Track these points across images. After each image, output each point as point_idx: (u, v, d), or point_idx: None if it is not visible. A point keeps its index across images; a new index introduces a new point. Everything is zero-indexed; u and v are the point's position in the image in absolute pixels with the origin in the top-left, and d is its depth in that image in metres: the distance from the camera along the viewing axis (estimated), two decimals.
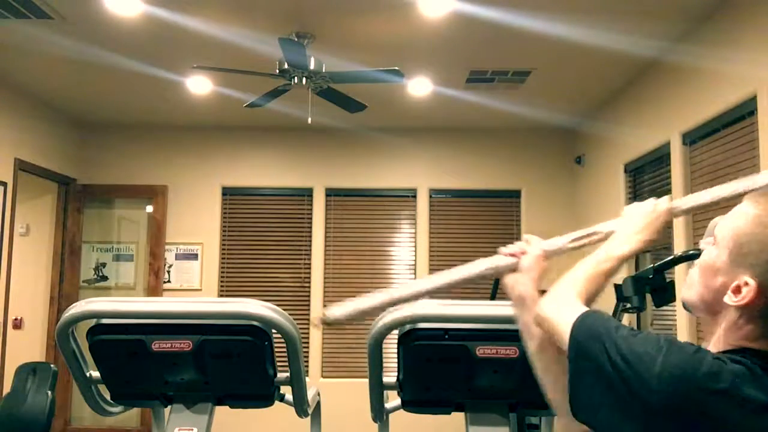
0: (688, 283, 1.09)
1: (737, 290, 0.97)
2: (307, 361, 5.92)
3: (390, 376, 2.38)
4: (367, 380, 2.36)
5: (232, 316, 2.29)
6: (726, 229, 1.03)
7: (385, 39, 4.14)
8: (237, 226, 6.29)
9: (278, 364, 2.45)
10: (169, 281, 6.13)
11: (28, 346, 5.75)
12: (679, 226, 3.95)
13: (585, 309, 1.10)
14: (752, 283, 0.96)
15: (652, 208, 1.31)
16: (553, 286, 1.22)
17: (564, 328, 1.07)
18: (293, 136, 6.27)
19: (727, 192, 1.29)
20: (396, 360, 2.33)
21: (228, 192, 6.30)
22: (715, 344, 1.02)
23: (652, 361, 0.92)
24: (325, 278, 6.18)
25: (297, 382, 2.43)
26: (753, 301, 0.95)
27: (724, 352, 0.98)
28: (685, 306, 1.11)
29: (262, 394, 2.44)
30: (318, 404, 2.92)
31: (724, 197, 1.29)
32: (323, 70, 4.05)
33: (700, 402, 0.89)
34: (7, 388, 3.55)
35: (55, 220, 6.05)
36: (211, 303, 2.62)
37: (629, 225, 1.29)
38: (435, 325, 2.18)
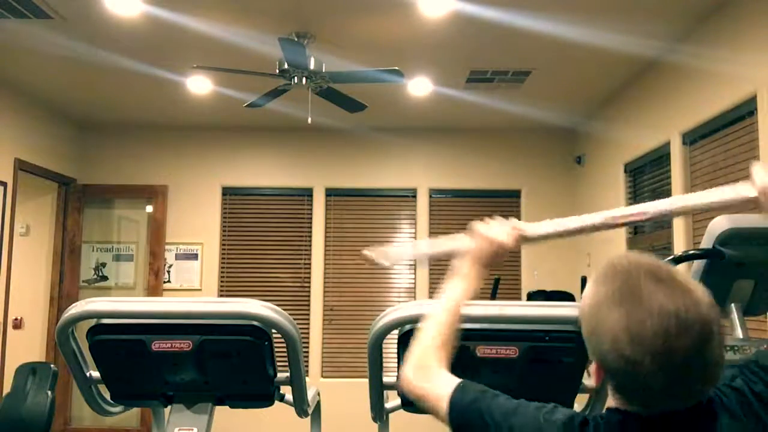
0: None
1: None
2: (307, 361, 5.92)
3: (390, 376, 2.38)
4: (367, 380, 2.36)
5: (232, 316, 2.29)
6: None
7: (385, 39, 4.14)
8: (237, 226, 6.29)
9: (278, 364, 2.45)
10: (169, 281, 6.13)
11: (28, 346, 5.75)
12: (679, 225, 3.95)
13: (456, 381, 1.21)
14: (594, 366, 1.07)
15: (497, 240, 1.42)
16: (413, 348, 1.31)
17: (439, 403, 1.18)
18: (293, 136, 6.27)
19: (577, 224, 1.43)
20: (396, 360, 2.33)
21: (228, 192, 6.30)
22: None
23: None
24: (325, 278, 6.18)
25: (297, 382, 2.43)
26: (602, 381, 1.08)
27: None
28: None
29: (262, 394, 2.44)
30: (318, 404, 2.92)
31: (576, 228, 1.43)
32: (323, 70, 4.05)
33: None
34: (7, 388, 3.54)
35: (55, 220, 6.05)
36: (211, 303, 2.62)
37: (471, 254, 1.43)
38: None
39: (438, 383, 1.21)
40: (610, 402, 1.08)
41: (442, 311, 1.35)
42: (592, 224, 1.43)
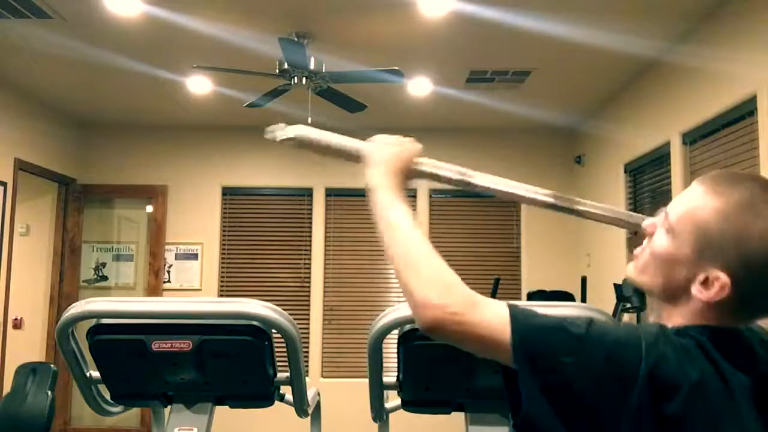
0: (642, 266, 1.05)
1: (705, 283, 0.96)
2: (307, 361, 5.92)
3: (390, 376, 2.38)
4: (367, 380, 2.36)
5: (232, 316, 2.29)
6: (686, 219, 1.00)
7: (385, 39, 4.14)
8: (237, 226, 6.29)
9: (278, 364, 2.45)
10: (169, 281, 6.13)
11: (28, 346, 5.75)
12: None
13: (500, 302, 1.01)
14: (723, 277, 0.95)
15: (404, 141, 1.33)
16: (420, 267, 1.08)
17: (497, 329, 0.95)
18: None
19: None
20: (396, 360, 2.33)
21: (228, 192, 6.30)
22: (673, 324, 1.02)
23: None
24: (325, 278, 6.18)
25: (297, 382, 2.43)
26: (724, 295, 0.96)
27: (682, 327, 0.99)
28: (633, 284, 1.09)
29: (262, 394, 2.44)
30: (318, 404, 2.92)
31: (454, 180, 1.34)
32: (323, 70, 4.05)
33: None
34: (7, 388, 3.54)
35: (55, 220, 6.05)
36: (211, 303, 2.62)
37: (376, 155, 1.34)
38: None
39: (490, 305, 0.98)
40: (702, 320, 0.98)
41: (415, 233, 1.12)
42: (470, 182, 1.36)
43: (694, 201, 1.00)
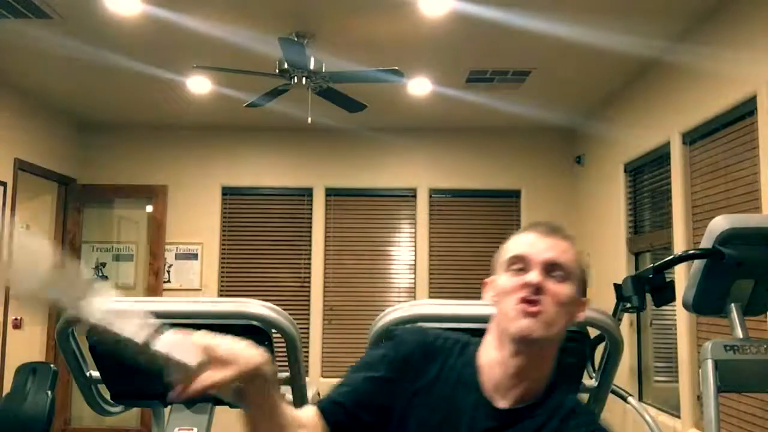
0: (550, 319, 1.14)
1: (582, 307, 1.21)
2: (307, 361, 5.92)
3: None
4: None
5: (232, 316, 2.28)
6: (574, 264, 1.19)
7: (385, 39, 4.14)
8: (237, 226, 6.29)
9: (278, 364, 2.44)
10: (169, 281, 6.14)
11: (28, 346, 5.75)
12: (679, 225, 3.95)
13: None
14: (585, 299, 1.22)
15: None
16: None
17: None
18: (293, 136, 6.27)
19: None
20: None
21: (228, 192, 6.30)
22: (549, 367, 1.19)
23: None
24: (325, 278, 6.18)
25: (297, 382, 2.42)
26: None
27: None
28: (525, 342, 1.15)
29: None
30: None
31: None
32: (323, 70, 4.05)
33: None
34: (7, 388, 3.55)
35: (55, 220, 6.05)
36: (211, 303, 2.62)
37: None
38: (435, 325, 2.18)
39: None
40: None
41: None
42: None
43: (567, 248, 1.19)
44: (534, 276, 1.14)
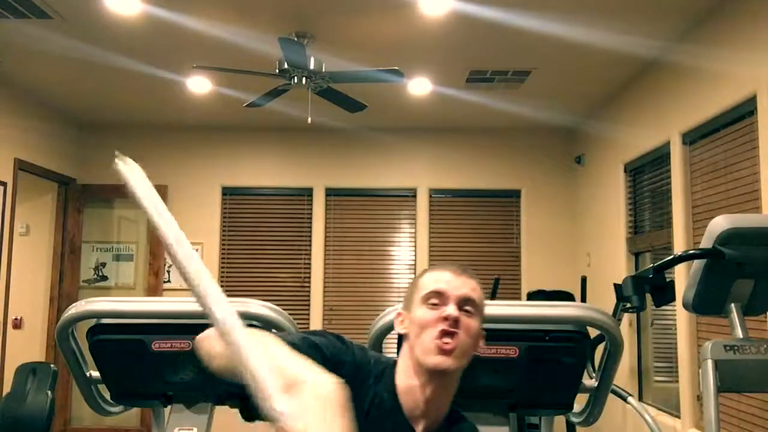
0: (462, 352, 1.26)
1: (482, 341, 1.33)
2: None
3: None
4: None
5: None
6: (481, 302, 1.32)
7: (385, 39, 4.14)
8: (237, 226, 6.29)
9: None
10: (169, 281, 6.14)
11: (28, 346, 5.76)
12: (679, 225, 3.95)
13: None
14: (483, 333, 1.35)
15: None
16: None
17: None
18: (293, 136, 6.27)
19: None
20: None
21: (228, 192, 6.30)
22: (455, 391, 1.31)
23: None
24: (325, 278, 6.18)
25: None
26: None
27: None
28: (439, 374, 1.27)
29: None
30: None
31: None
32: (323, 70, 4.05)
33: None
34: (7, 388, 3.55)
35: (55, 220, 6.05)
36: None
37: None
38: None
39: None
40: None
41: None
42: None
43: (476, 286, 1.32)
44: (452, 309, 1.26)
